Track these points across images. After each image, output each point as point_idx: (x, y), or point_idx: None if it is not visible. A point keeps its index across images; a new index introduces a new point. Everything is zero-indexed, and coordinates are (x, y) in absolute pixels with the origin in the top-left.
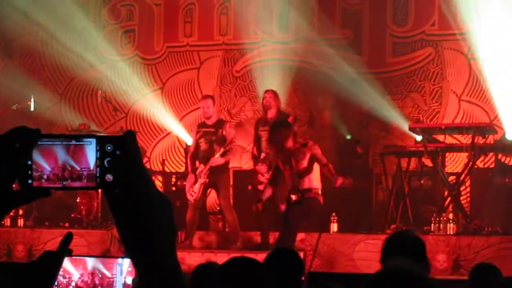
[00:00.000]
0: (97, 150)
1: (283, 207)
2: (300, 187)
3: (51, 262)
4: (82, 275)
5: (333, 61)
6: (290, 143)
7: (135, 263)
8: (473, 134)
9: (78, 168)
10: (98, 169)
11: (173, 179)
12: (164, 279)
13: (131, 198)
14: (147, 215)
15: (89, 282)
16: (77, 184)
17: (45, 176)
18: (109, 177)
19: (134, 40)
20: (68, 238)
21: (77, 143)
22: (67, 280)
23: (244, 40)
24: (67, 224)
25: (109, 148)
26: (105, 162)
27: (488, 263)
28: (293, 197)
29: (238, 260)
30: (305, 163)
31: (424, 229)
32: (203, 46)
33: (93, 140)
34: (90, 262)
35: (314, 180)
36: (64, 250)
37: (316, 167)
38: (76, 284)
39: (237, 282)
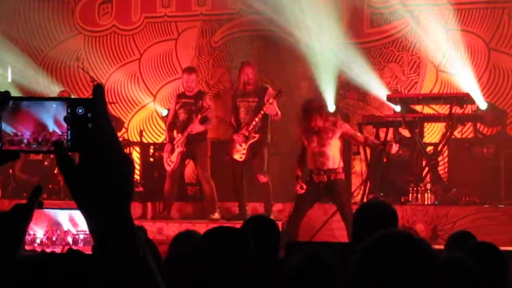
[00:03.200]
0: (68, 113)
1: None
2: (324, 167)
3: (21, 215)
4: (46, 231)
5: (312, 31)
6: (319, 122)
7: (90, 225)
8: (450, 104)
9: (49, 131)
10: (69, 132)
11: (151, 150)
12: (118, 238)
13: (100, 159)
14: (112, 175)
15: (54, 238)
16: (46, 148)
17: (15, 139)
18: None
19: (112, 11)
20: (37, 190)
21: (48, 106)
22: (31, 237)
23: (222, 11)
24: (45, 195)
25: (80, 111)
26: (77, 125)
27: (464, 231)
28: (317, 178)
29: (222, 229)
30: (333, 141)
31: (402, 200)
32: (181, 17)
33: (64, 103)
34: (56, 216)
35: (337, 158)
36: (34, 202)
37: (338, 145)
38: (41, 241)
39: (221, 250)
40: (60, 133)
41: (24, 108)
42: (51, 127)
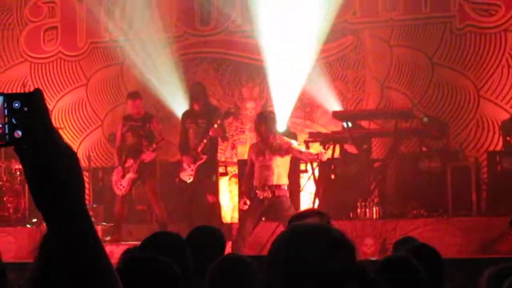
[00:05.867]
0: (4, 108)
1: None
2: (269, 183)
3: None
4: None
5: (256, 52)
6: (272, 136)
7: (46, 216)
8: (395, 119)
9: None
10: (6, 126)
11: (100, 174)
12: (78, 227)
13: (40, 152)
14: (56, 166)
15: None
16: None
17: None
18: (18, 133)
19: (57, 37)
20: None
21: None
22: None
23: (166, 34)
24: None
25: (16, 105)
26: (13, 119)
27: (408, 236)
28: (261, 194)
29: (160, 234)
30: (279, 158)
31: (350, 215)
32: (126, 41)
33: (0, 98)
34: None
35: (284, 175)
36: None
37: (287, 162)
38: None
39: (158, 252)
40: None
41: None
42: None
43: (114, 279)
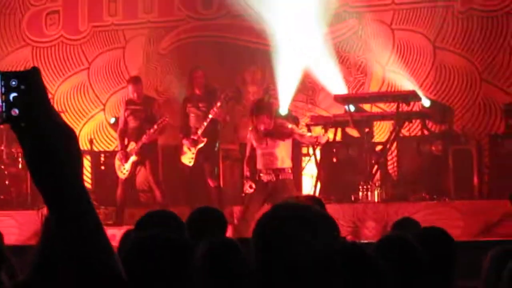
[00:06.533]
0: (1, 86)
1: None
2: (273, 166)
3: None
4: None
5: (259, 35)
6: (267, 123)
7: (46, 195)
8: (397, 102)
9: None
10: (3, 104)
11: (102, 158)
12: (76, 204)
13: (38, 130)
14: (55, 145)
15: None
16: None
17: None
18: (15, 111)
19: (59, 21)
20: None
21: None
22: None
23: (168, 18)
24: None
25: (13, 83)
26: (10, 97)
27: (406, 217)
28: (266, 177)
29: (159, 211)
30: (281, 143)
31: (352, 198)
32: (128, 25)
33: None
34: None
35: (286, 158)
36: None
37: (288, 145)
38: None
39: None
40: None
41: None
42: None
43: (113, 260)
